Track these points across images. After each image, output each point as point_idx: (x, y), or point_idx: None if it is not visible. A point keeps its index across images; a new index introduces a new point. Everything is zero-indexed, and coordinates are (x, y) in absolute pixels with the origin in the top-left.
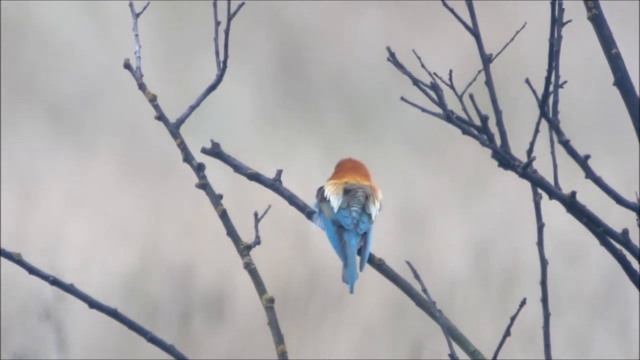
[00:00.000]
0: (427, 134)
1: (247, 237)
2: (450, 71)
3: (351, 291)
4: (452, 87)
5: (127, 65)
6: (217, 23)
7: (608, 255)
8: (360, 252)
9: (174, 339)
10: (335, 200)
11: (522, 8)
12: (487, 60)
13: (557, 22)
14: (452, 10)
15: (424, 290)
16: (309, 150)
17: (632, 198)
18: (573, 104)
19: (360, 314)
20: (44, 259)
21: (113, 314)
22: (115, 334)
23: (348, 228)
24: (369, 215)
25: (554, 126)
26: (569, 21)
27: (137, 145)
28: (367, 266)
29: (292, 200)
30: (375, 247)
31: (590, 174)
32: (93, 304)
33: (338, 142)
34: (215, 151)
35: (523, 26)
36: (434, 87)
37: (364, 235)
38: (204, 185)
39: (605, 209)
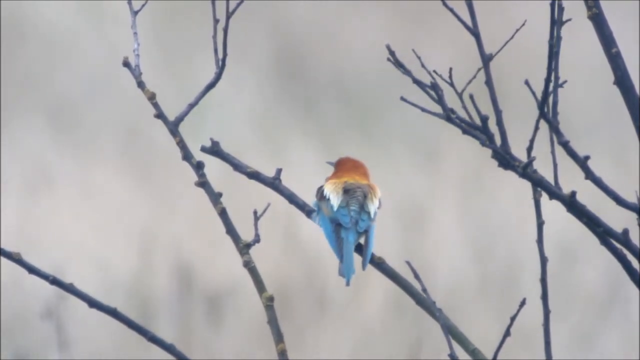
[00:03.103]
0: (427, 134)
1: (246, 235)
2: (450, 69)
3: (347, 284)
4: (452, 84)
5: (126, 63)
6: (216, 21)
7: (608, 255)
8: (362, 250)
9: (174, 338)
10: (335, 199)
11: (522, 7)
12: (487, 59)
13: (556, 22)
14: (452, 10)
15: (424, 290)
16: (308, 149)
17: (632, 198)
18: (573, 104)
19: (360, 312)
20: (45, 258)
21: (113, 313)
22: (116, 333)
23: (346, 226)
24: (368, 214)
25: (554, 127)
26: (569, 20)
27: (135, 143)
28: (368, 265)
29: (292, 198)
30: (375, 246)
31: (590, 175)
32: (92, 303)
33: (338, 142)
34: (214, 149)
35: (523, 24)
36: (434, 86)
37: (365, 234)
38: (203, 184)
39: (606, 208)
